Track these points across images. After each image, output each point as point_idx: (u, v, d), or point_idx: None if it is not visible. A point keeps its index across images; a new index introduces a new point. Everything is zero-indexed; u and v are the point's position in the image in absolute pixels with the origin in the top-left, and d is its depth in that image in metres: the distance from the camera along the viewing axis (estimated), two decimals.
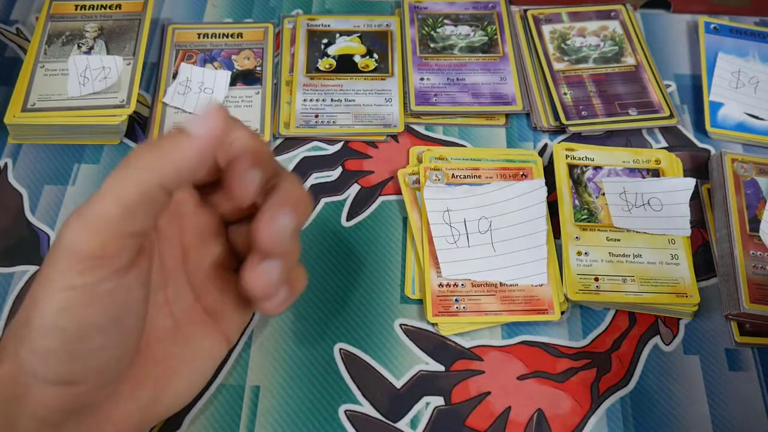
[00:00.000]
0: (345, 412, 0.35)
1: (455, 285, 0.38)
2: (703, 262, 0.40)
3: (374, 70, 0.47)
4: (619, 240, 0.40)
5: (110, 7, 0.48)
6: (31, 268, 0.39)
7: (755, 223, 0.39)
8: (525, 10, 0.50)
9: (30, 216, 0.41)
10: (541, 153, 0.44)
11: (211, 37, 0.48)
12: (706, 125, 0.45)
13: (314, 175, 0.43)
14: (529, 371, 0.36)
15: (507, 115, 0.46)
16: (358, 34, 0.49)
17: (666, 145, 0.45)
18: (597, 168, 0.42)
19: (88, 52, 0.46)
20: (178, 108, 0.44)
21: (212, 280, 0.32)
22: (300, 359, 0.37)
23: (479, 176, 0.42)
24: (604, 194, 0.41)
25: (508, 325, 0.38)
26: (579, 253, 0.39)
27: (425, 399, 0.36)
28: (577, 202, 0.41)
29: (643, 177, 0.42)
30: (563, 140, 0.45)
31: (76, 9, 0.48)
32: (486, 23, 0.49)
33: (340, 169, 0.43)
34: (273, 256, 0.29)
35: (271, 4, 0.51)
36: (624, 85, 0.46)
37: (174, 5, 0.51)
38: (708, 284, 0.40)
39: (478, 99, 0.45)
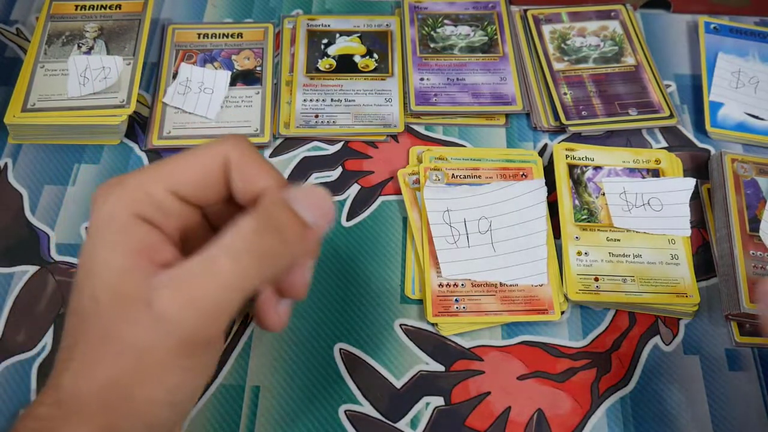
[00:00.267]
0: (345, 412, 0.35)
1: (455, 285, 0.38)
2: (703, 262, 0.40)
3: (374, 70, 0.47)
4: (619, 240, 0.40)
5: (110, 7, 0.48)
6: (31, 268, 0.39)
7: (755, 223, 0.39)
8: (525, 10, 0.50)
9: (30, 216, 0.41)
10: (541, 153, 0.44)
11: (211, 37, 0.48)
12: (706, 125, 0.45)
13: (314, 175, 0.43)
14: (529, 371, 0.36)
15: (507, 115, 0.46)
16: (358, 34, 0.49)
17: (666, 145, 0.45)
18: (597, 168, 0.42)
19: (88, 52, 0.46)
20: (178, 108, 0.44)
21: None
22: (300, 359, 0.37)
23: (479, 176, 0.42)
24: (604, 194, 0.41)
25: (508, 325, 0.38)
26: (579, 253, 0.39)
27: (425, 399, 0.36)
28: (577, 202, 0.41)
29: (643, 177, 0.42)
30: (563, 140, 0.45)
31: (76, 9, 0.48)
32: (486, 23, 0.49)
33: (340, 169, 0.43)
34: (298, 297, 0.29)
35: (271, 4, 0.51)
36: (624, 85, 0.46)
37: (174, 5, 0.51)
38: (708, 284, 0.40)
39: (478, 99, 0.45)
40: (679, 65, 0.49)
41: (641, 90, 0.46)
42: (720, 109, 0.46)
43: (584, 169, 0.42)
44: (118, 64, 0.45)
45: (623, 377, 0.37)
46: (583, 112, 0.45)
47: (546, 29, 0.49)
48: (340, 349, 0.37)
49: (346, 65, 0.47)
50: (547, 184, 0.41)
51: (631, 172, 0.42)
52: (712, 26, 0.50)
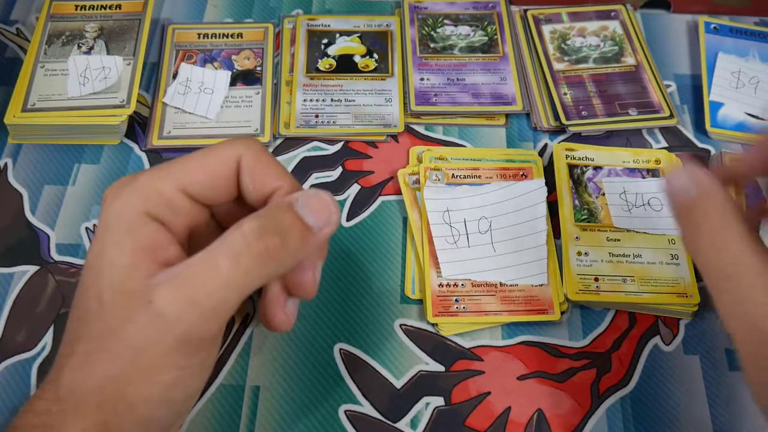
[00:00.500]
0: (345, 412, 0.35)
1: (455, 285, 0.38)
2: None
3: (374, 70, 0.47)
4: (619, 240, 0.40)
5: (110, 7, 0.48)
6: (31, 268, 0.39)
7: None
8: (525, 10, 0.50)
9: (30, 216, 0.41)
10: (541, 153, 0.44)
11: (211, 37, 0.48)
12: (706, 125, 0.45)
13: (314, 175, 0.43)
14: (529, 371, 0.36)
15: (507, 115, 0.46)
16: (358, 34, 0.49)
17: (666, 145, 0.45)
18: (597, 168, 0.42)
19: (88, 52, 0.46)
20: (178, 108, 0.44)
21: None
22: (300, 359, 0.37)
23: (479, 176, 0.42)
24: (604, 194, 0.41)
25: (508, 325, 0.38)
26: (579, 253, 0.39)
27: (425, 399, 0.36)
28: (577, 202, 0.41)
29: (643, 177, 0.42)
30: (563, 140, 0.45)
31: (76, 9, 0.48)
32: (486, 23, 0.49)
33: (340, 169, 0.43)
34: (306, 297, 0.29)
35: (271, 4, 0.51)
36: (624, 85, 0.46)
37: (174, 5, 0.51)
38: None
39: (478, 99, 0.45)
40: (679, 65, 0.49)
41: (641, 90, 0.46)
42: (720, 109, 0.46)
43: (584, 169, 0.42)
44: (118, 64, 0.45)
45: (623, 377, 0.37)
46: (583, 112, 0.45)
47: (546, 29, 0.49)
48: (340, 349, 0.37)
49: (346, 65, 0.47)
50: (547, 184, 0.41)
51: (631, 172, 0.42)
52: (712, 26, 0.50)
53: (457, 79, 0.46)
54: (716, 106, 0.46)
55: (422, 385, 0.36)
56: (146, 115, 0.45)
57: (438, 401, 0.36)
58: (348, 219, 0.41)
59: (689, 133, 0.46)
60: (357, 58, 0.47)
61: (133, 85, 0.44)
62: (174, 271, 0.24)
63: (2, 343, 0.37)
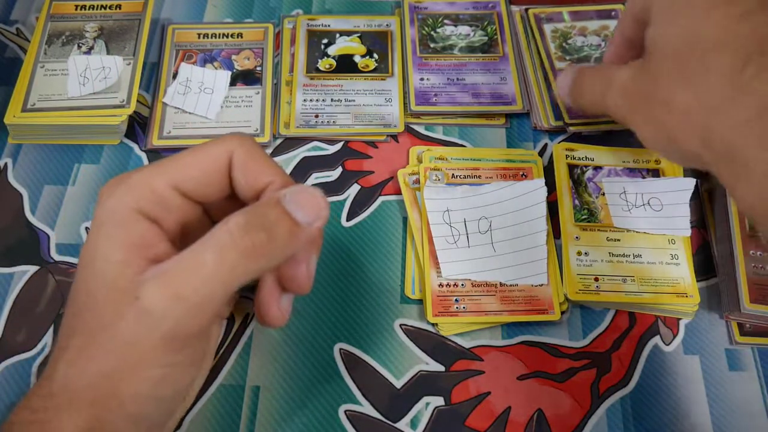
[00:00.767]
0: (345, 412, 0.35)
1: (455, 285, 0.38)
2: (703, 262, 0.40)
3: (374, 70, 0.47)
4: (619, 240, 0.40)
5: (110, 7, 0.48)
6: (31, 268, 0.39)
7: None
8: (526, 9, 0.50)
9: (30, 216, 0.41)
10: (541, 153, 0.44)
11: (211, 37, 0.48)
12: None
13: (314, 175, 0.43)
14: (529, 371, 0.36)
15: (507, 115, 0.46)
16: (358, 34, 0.49)
17: None
18: (597, 168, 0.42)
19: (88, 52, 0.46)
20: (178, 108, 0.44)
21: None
22: (300, 359, 0.37)
23: (479, 176, 0.42)
24: (604, 194, 0.41)
25: (508, 325, 0.38)
26: (579, 253, 0.39)
27: (425, 399, 0.36)
28: (577, 202, 0.41)
29: (643, 177, 0.42)
30: (563, 140, 0.45)
31: (76, 9, 0.48)
32: (486, 23, 0.49)
33: (340, 169, 0.43)
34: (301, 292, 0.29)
35: (271, 4, 0.51)
36: None
37: (174, 5, 0.51)
38: (708, 284, 0.40)
39: (478, 99, 0.45)
40: None
41: None
42: None
43: (584, 169, 0.42)
44: (118, 64, 0.45)
45: (623, 377, 0.37)
46: None
47: (548, 28, 0.49)
48: (340, 349, 0.37)
49: (346, 65, 0.47)
50: (547, 184, 0.41)
51: (631, 172, 0.42)
52: None
53: (457, 79, 0.46)
54: None
55: (422, 385, 0.36)
56: (146, 115, 0.45)
57: (438, 401, 0.36)
58: (348, 219, 0.41)
59: None
60: (357, 58, 0.47)
61: (133, 85, 0.44)
62: (162, 267, 0.25)
63: (2, 343, 0.37)
